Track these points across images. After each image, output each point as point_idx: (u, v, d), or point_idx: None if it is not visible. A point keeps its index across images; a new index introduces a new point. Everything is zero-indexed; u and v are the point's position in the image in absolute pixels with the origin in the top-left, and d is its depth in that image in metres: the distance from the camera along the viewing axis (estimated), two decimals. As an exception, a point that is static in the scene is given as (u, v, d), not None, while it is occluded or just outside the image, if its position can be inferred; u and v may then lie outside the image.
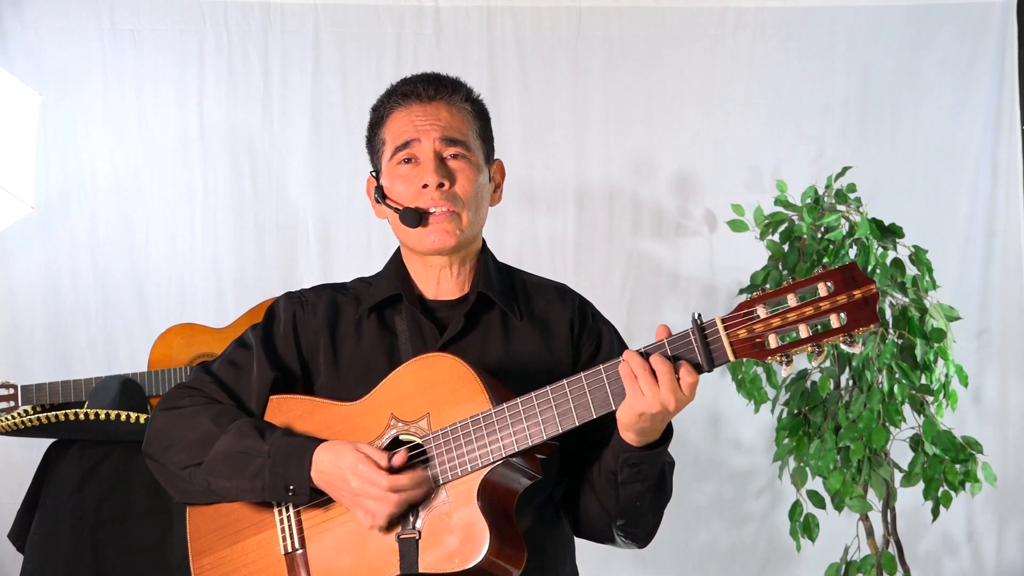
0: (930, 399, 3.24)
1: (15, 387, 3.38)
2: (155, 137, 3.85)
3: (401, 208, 1.87)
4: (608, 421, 1.72)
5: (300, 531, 1.82)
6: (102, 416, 2.93)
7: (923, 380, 3.23)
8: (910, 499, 3.44)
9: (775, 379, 3.39)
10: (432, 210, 1.86)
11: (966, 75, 3.86)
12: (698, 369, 1.63)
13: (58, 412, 2.92)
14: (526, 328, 1.91)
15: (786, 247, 3.33)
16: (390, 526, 1.73)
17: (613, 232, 3.89)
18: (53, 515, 2.94)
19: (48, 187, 3.77)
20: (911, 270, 3.32)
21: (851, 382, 3.30)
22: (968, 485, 3.21)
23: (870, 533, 3.38)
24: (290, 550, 1.82)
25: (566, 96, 3.90)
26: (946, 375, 3.24)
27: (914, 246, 3.31)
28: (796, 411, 3.34)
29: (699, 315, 1.64)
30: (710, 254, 3.87)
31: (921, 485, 3.24)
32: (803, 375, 3.38)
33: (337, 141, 3.84)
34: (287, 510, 1.83)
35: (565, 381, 1.69)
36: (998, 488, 3.41)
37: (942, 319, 3.22)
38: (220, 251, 3.86)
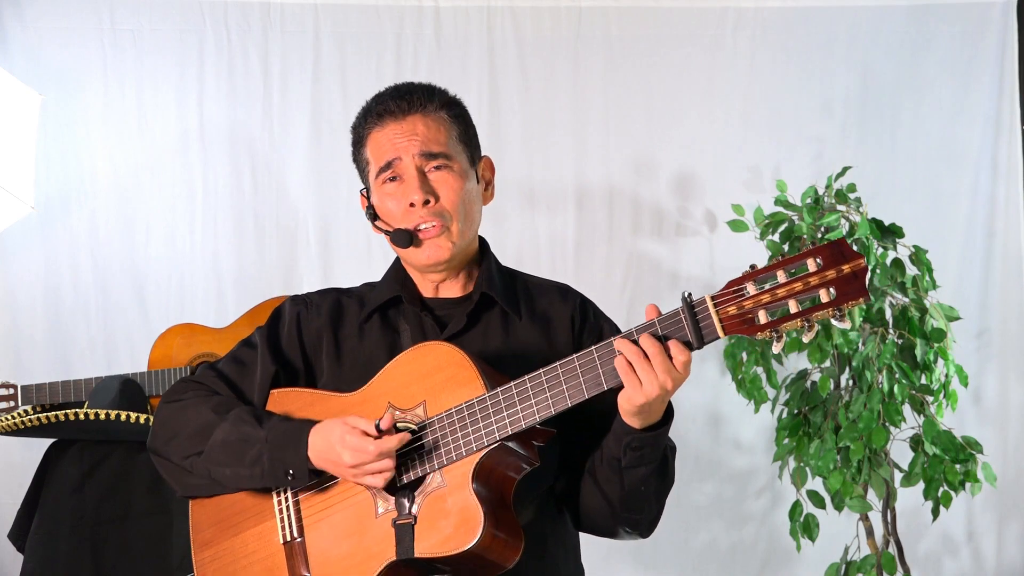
0: (930, 399, 3.24)
1: (15, 387, 3.39)
2: (155, 137, 3.85)
3: (392, 230, 1.89)
4: (608, 411, 1.74)
5: (299, 520, 1.84)
6: (102, 416, 2.93)
7: (923, 380, 3.23)
8: (910, 499, 3.44)
9: (775, 379, 3.38)
10: (422, 226, 1.87)
11: (966, 75, 3.86)
12: (688, 347, 1.64)
13: (58, 412, 2.92)
14: (527, 325, 1.93)
15: (786, 247, 3.32)
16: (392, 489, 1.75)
17: (613, 232, 3.88)
18: (53, 515, 2.94)
19: (48, 187, 3.77)
20: (911, 270, 3.32)
21: (851, 382, 3.30)
22: (968, 485, 3.21)
23: (870, 533, 3.38)
24: (289, 539, 1.84)
25: (566, 96, 3.90)
26: (946, 375, 3.24)
27: (914, 246, 3.31)
28: (796, 411, 3.34)
29: (689, 293, 1.65)
30: (710, 254, 3.87)
31: (921, 485, 3.24)
32: (803, 375, 3.38)
33: (337, 141, 3.82)
34: (287, 499, 1.85)
35: (558, 363, 1.70)
36: (998, 488, 3.41)
37: (942, 319, 3.22)
38: (220, 251, 3.85)
